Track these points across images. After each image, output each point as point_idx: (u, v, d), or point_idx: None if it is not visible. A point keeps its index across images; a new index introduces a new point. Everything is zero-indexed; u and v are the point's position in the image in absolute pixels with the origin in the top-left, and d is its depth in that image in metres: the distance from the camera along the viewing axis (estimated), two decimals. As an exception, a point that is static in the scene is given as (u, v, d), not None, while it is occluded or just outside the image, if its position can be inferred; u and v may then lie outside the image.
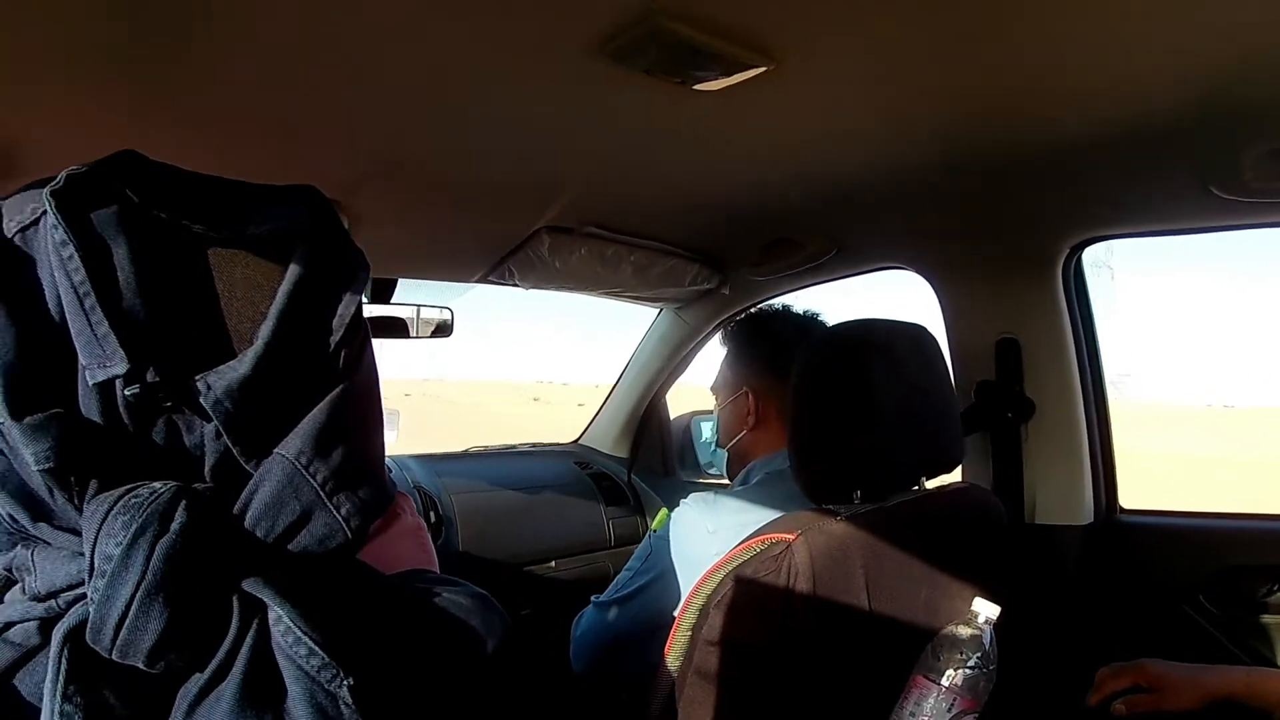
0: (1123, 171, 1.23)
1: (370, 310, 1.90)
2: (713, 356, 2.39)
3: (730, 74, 0.91)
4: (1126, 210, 1.38)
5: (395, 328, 1.97)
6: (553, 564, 2.01)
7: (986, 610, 1.01)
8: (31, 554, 0.43)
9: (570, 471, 2.29)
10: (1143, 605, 1.47)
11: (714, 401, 1.52)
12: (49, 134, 0.96)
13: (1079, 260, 1.53)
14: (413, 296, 1.95)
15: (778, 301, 1.50)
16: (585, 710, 1.47)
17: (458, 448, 2.43)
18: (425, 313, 2.01)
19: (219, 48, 0.84)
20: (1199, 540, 1.48)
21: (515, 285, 1.86)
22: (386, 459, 1.71)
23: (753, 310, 1.49)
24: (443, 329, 2.06)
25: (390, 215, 1.43)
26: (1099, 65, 0.94)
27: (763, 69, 0.90)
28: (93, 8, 0.74)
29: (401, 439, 2.22)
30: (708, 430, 2.47)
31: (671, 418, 2.49)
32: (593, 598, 1.41)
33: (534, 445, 2.52)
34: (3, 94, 0.89)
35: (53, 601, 0.42)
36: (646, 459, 2.42)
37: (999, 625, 1.01)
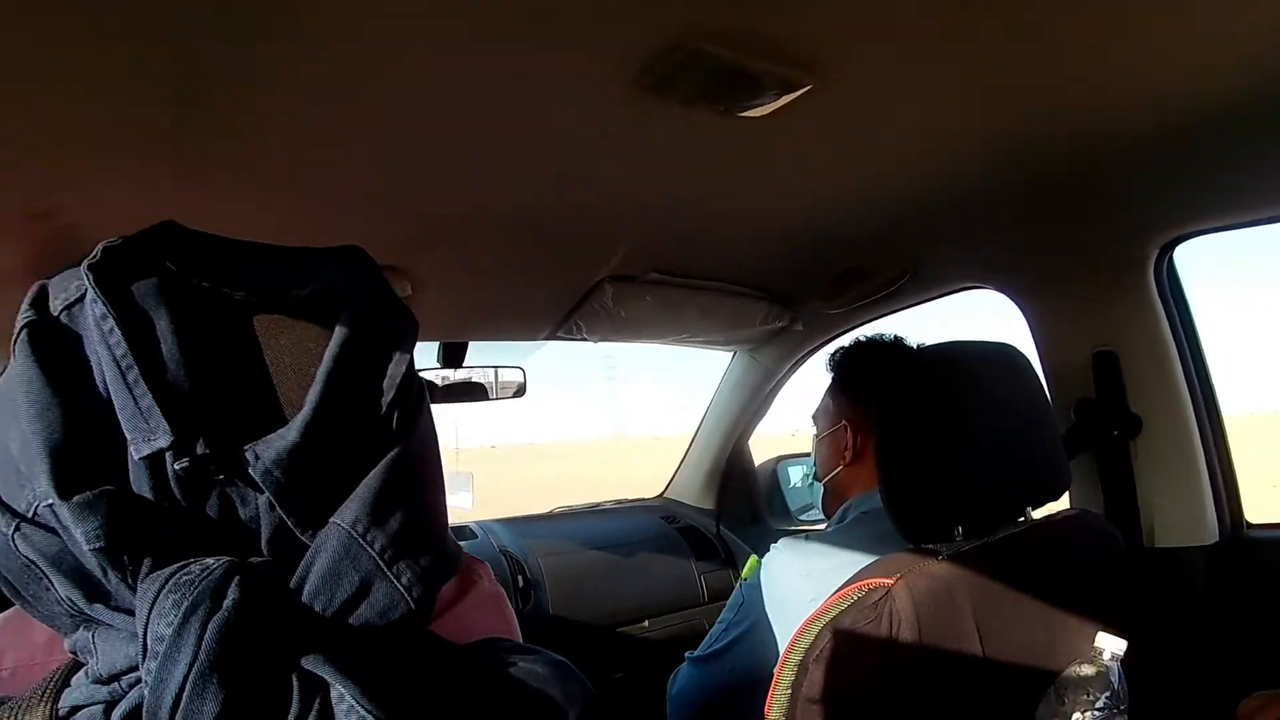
0: (1213, 158, 1.13)
1: (445, 375, 1.93)
2: (791, 398, 2.35)
3: (773, 96, 0.88)
4: (1219, 201, 1.27)
5: (474, 391, 1.99)
6: (645, 624, 1.96)
7: (1112, 645, 0.94)
8: (92, 636, 0.42)
9: (657, 526, 2.24)
10: None
11: (813, 431, 1.47)
12: (107, 216, 1.00)
13: (1171, 260, 1.42)
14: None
15: (890, 330, 1.44)
16: None
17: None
18: (503, 374, 2.03)
19: (270, 121, 0.86)
20: None
21: (584, 339, 1.85)
22: (471, 524, 1.72)
23: (859, 337, 1.44)
24: (520, 390, 2.08)
25: (452, 277, 1.44)
26: (1177, 37, 0.86)
27: (806, 88, 0.86)
28: (145, 86, 0.77)
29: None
30: (795, 475, 2.40)
31: (756, 464, 2.43)
32: (687, 654, 1.37)
33: (618, 502, 2.49)
34: (62, 179, 0.93)
35: (116, 684, 0.41)
36: (734, 508, 2.36)
37: (1127, 661, 0.94)
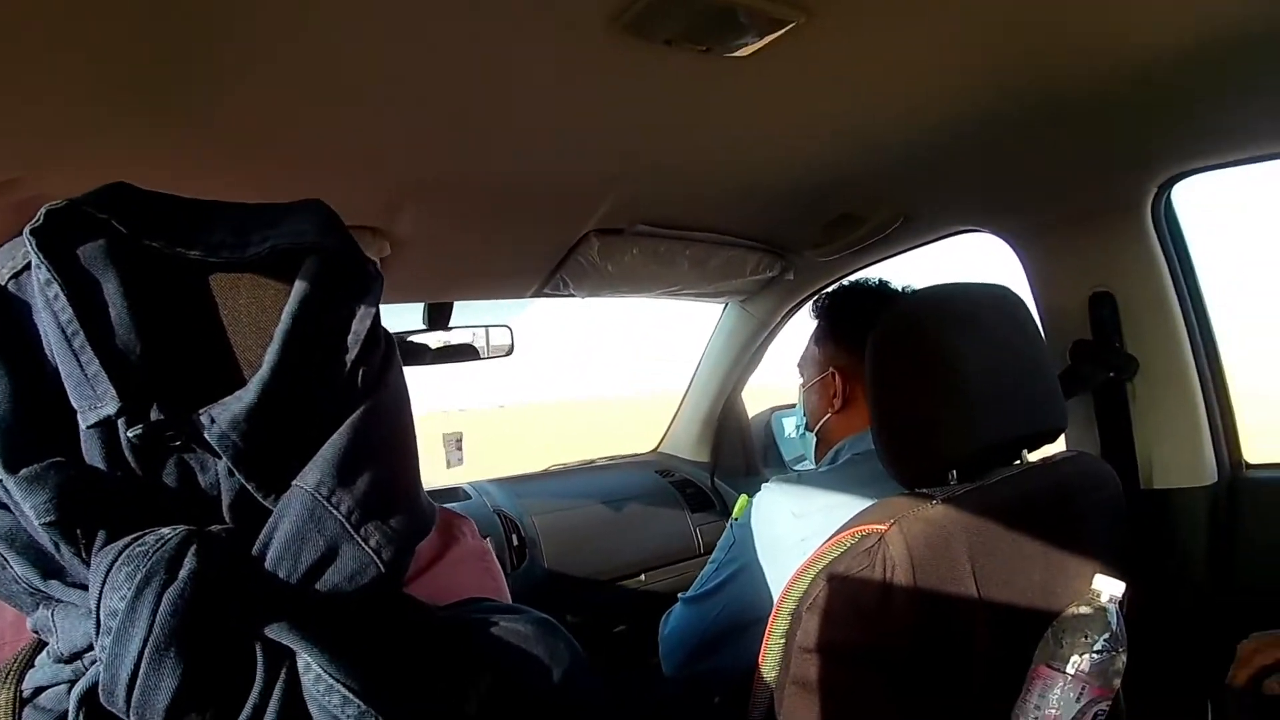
0: (1209, 94, 1.09)
1: (436, 338, 1.90)
2: (784, 349, 2.34)
3: (758, 35, 0.84)
4: (1218, 138, 1.24)
5: (464, 352, 1.97)
6: (642, 577, 1.98)
7: (1110, 588, 0.95)
8: (51, 614, 0.41)
9: (652, 481, 2.25)
10: None
11: (799, 380, 1.45)
12: (69, 187, 0.96)
13: (1169, 200, 1.40)
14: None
15: (873, 275, 1.42)
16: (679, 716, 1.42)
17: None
18: (492, 334, 2.01)
19: (243, 85, 0.83)
20: None
21: (570, 295, 1.83)
22: (465, 485, 1.70)
23: (843, 283, 1.43)
24: (509, 349, 2.05)
25: (435, 236, 1.40)
26: None
27: (792, 24, 0.82)
28: (109, 49, 0.73)
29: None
30: (789, 425, 2.40)
31: (750, 415, 2.42)
32: (679, 595, 1.37)
33: (612, 458, 2.49)
34: (21, 151, 0.89)
35: (78, 663, 0.40)
36: (729, 460, 2.36)
37: (1125, 603, 0.94)
